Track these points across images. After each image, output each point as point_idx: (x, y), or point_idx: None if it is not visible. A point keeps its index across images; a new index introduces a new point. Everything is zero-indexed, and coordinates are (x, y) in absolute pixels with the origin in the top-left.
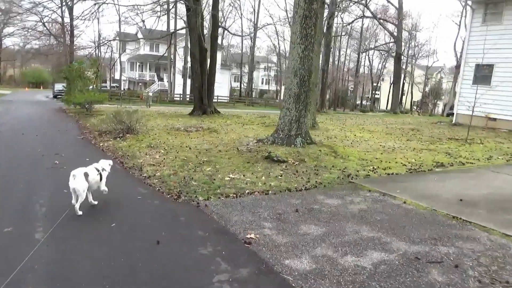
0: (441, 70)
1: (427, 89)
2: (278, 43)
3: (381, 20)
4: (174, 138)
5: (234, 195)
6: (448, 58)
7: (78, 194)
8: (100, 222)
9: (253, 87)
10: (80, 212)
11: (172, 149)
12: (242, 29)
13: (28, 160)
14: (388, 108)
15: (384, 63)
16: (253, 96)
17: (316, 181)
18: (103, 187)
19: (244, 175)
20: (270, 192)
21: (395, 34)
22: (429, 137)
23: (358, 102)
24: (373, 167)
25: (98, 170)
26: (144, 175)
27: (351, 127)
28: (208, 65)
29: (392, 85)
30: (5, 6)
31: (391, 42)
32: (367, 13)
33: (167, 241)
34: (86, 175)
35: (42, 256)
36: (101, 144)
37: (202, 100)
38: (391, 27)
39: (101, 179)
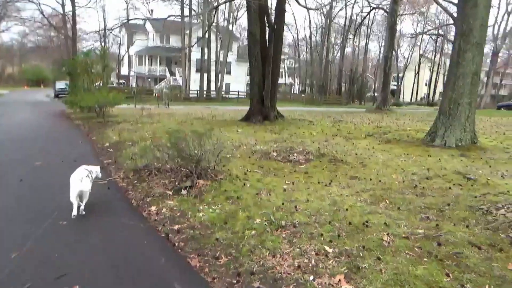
0: None
1: None
2: (297, 31)
3: None
4: (293, 187)
5: None
6: None
7: (84, 196)
8: None
9: None
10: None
11: (343, 239)
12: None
13: None
14: (413, 100)
15: (410, 52)
16: None
17: None
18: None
19: None
20: None
21: (454, 15)
22: None
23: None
24: None
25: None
26: None
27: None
28: (272, 52)
29: None
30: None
31: (450, 24)
32: None
33: None
34: (88, 176)
35: None
36: (154, 209)
37: (262, 100)
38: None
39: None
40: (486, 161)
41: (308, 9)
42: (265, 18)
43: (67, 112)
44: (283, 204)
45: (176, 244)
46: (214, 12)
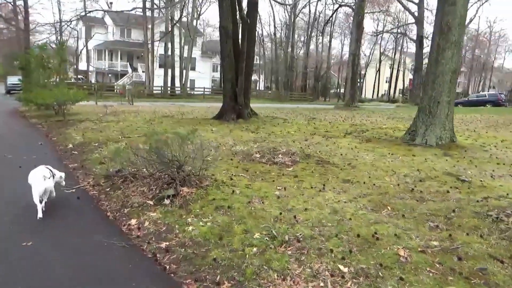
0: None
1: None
2: (261, 27)
3: None
4: (286, 193)
5: None
6: None
7: (48, 193)
8: None
9: None
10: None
11: (356, 256)
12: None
13: None
14: (375, 97)
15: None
16: None
17: None
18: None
19: None
20: None
21: (416, 14)
22: None
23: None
24: None
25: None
26: None
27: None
28: (245, 47)
29: (414, 72)
30: None
31: (411, 23)
32: None
33: None
34: (52, 175)
35: None
36: (134, 222)
37: (236, 98)
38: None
39: None
40: (471, 161)
41: (277, 2)
42: (238, 12)
43: (21, 110)
44: (280, 214)
45: (167, 267)
46: (182, 7)
